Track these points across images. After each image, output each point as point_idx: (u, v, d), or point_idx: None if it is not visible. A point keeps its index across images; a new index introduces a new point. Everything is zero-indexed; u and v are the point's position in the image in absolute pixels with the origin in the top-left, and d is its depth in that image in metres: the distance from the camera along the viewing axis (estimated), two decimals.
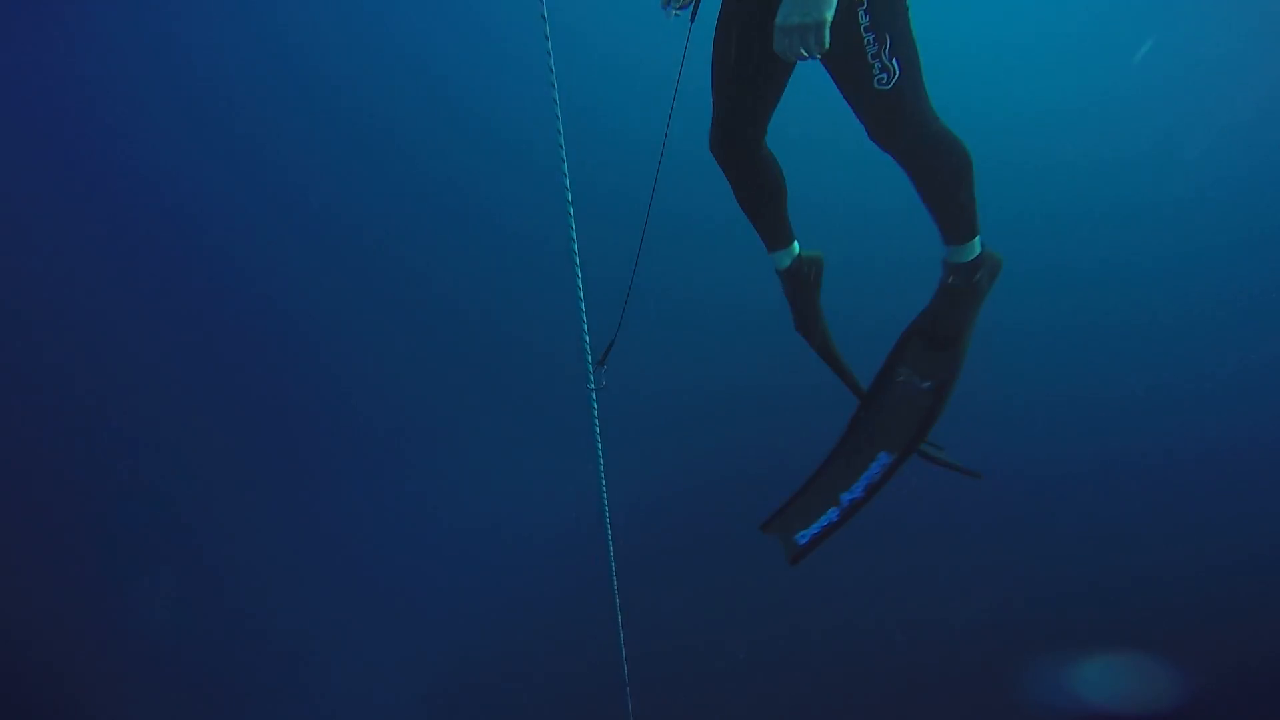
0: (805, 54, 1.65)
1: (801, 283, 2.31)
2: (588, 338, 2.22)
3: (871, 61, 1.79)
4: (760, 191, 2.17)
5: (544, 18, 1.76)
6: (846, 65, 1.84)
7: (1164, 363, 5.11)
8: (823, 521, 2.18)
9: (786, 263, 2.28)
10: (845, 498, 2.15)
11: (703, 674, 4.59)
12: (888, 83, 1.79)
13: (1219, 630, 4.41)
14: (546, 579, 4.75)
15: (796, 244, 2.29)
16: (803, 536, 2.19)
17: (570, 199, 1.95)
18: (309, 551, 5.03)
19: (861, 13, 1.76)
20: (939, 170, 1.97)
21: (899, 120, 1.88)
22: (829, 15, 1.59)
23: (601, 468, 2.50)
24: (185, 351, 5.15)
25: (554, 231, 2.21)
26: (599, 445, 2.40)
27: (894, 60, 1.80)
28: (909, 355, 2.12)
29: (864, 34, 1.77)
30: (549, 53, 1.79)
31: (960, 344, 2.08)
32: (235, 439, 5.14)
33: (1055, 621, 4.69)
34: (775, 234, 2.24)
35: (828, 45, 1.62)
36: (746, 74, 1.97)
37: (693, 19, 2.01)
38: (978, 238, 2.06)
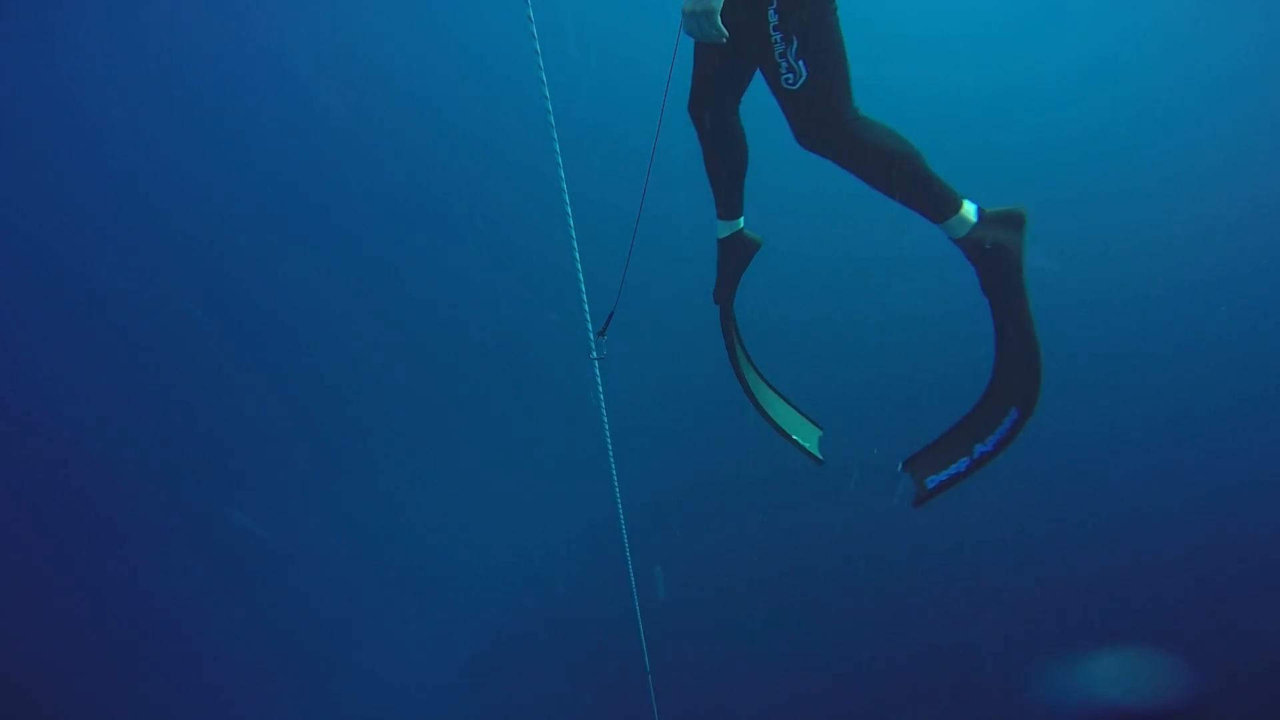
0: (703, 38, 1.77)
1: (733, 255, 2.44)
2: (588, 311, 2.30)
3: (779, 60, 1.85)
4: (724, 157, 2.28)
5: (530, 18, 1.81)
6: (760, 61, 1.91)
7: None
8: (953, 469, 2.27)
9: (726, 233, 2.42)
10: (979, 449, 2.20)
11: (722, 660, 4.54)
12: (794, 83, 1.85)
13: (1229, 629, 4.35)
14: (567, 562, 4.74)
15: (742, 220, 2.43)
16: (932, 481, 2.29)
17: (565, 188, 2.01)
18: (344, 536, 5.09)
19: (770, 11, 1.81)
20: (875, 169, 1.98)
21: (810, 122, 1.92)
22: (717, 4, 1.71)
23: (610, 453, 2.56)
24: (216, 346, 5.23)
25: (551, 223, 2.29)
26: (605, 423, 2.46)
27: (800, 61, 1.84)
28: (998, 312, 2.12)
29: (772, 32, 1.83)
30: (536, 51, 1.84)
31: (1021, 292, 2.04)
32: (266, 433, 5.22)
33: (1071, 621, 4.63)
34: (728, 204, 2.37)
35: (724, 32, 1.74)
36: (714, 56, 2.09)
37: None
38: (964, 207, 2.04)
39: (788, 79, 1.84)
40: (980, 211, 2.06)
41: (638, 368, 3.85)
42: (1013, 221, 2.04)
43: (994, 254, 2.01)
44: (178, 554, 4.86)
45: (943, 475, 2.27)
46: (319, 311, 5.40)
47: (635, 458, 3.21)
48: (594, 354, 2.36)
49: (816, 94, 1.88)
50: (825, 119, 1.92)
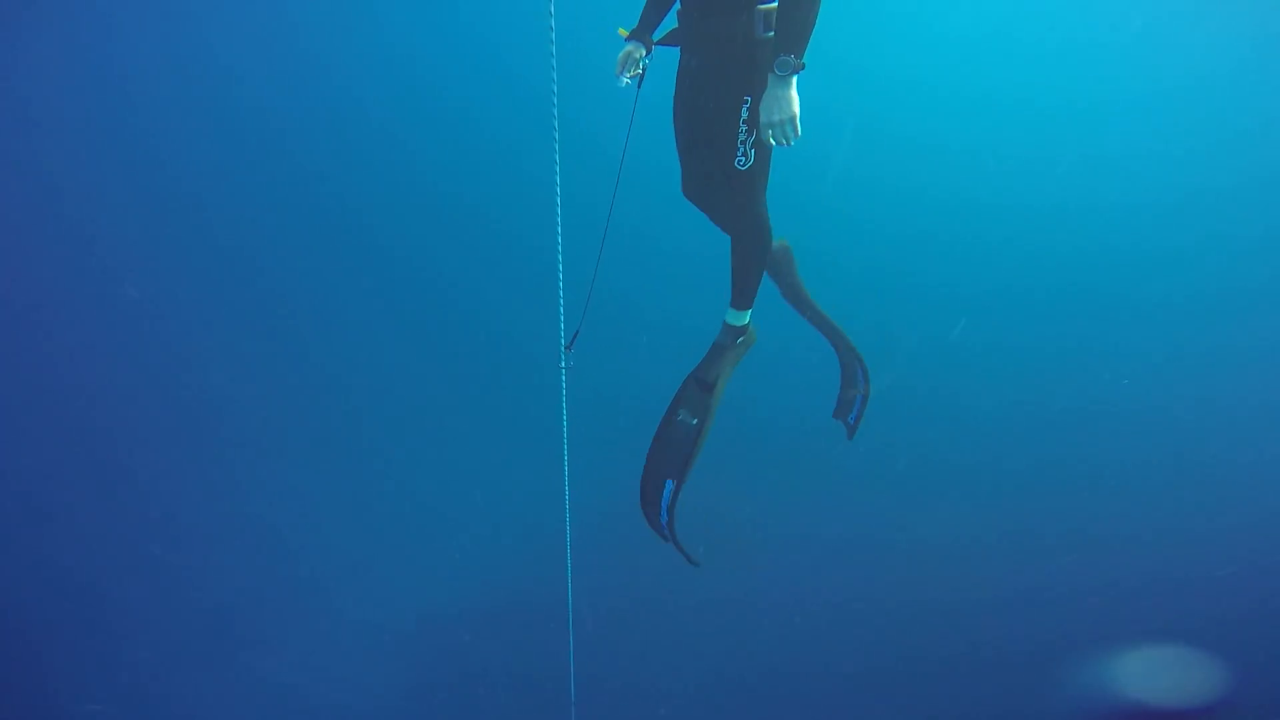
0: (785, 142, 2.13)
1: (776, 268, 2.92)
2: (563, 323, 2.48)
3: (739, 145, 2.27)
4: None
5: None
6: (720, 141, 2.30)
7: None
8: (855, 408, 3.00)
9: (747, 320, 2.72)
10: (662, 520, 2.61)
11: (653, 684, 4.61)
12: (744, 165, 2.27)
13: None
14: (506, 570, 4.79)
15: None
16: (852, 417, 2.99)
17: (559, 201, 2.24)
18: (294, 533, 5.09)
19: (744, 107, 2.23)
20: (747, 246, 2.49)
21: (741, 196, 2.39)
22: (797, 110, 2.10)
23: (566, 462, 2.68)
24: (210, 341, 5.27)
25: (539, 229, 2.47)
26: (565, 431, 2.59)
27: (753, 150, 2.27)
28: (686, 396, 2.60)
29: (740, 123, 2.25)
30: (553, 67, 2.04)
31: (717, 390, 2.56)
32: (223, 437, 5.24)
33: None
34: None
35: (800, 133, 2.11)
36: (693, 142, 2.49)
37: (639, 86, 2.52)
38: (749, 311, 2.59)
39: (740, 161, 2.26)
40: (747, 327, 2.61)
41: (603, 382, 3.99)
42: (751, 340, 2.63)
43: (731, 348, 2.59)
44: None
45: (855, 414, 3.00)
46: (290, 297, 5.48)
47: (591, 468, 3.36)
48: (562, 363, 2.54)
49: (758, 176, 2.34)
50: (754, 197, 2.38)
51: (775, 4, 2.14)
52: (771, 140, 2.15)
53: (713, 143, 2.34)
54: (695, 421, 2.55)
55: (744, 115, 2.24)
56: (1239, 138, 5.53)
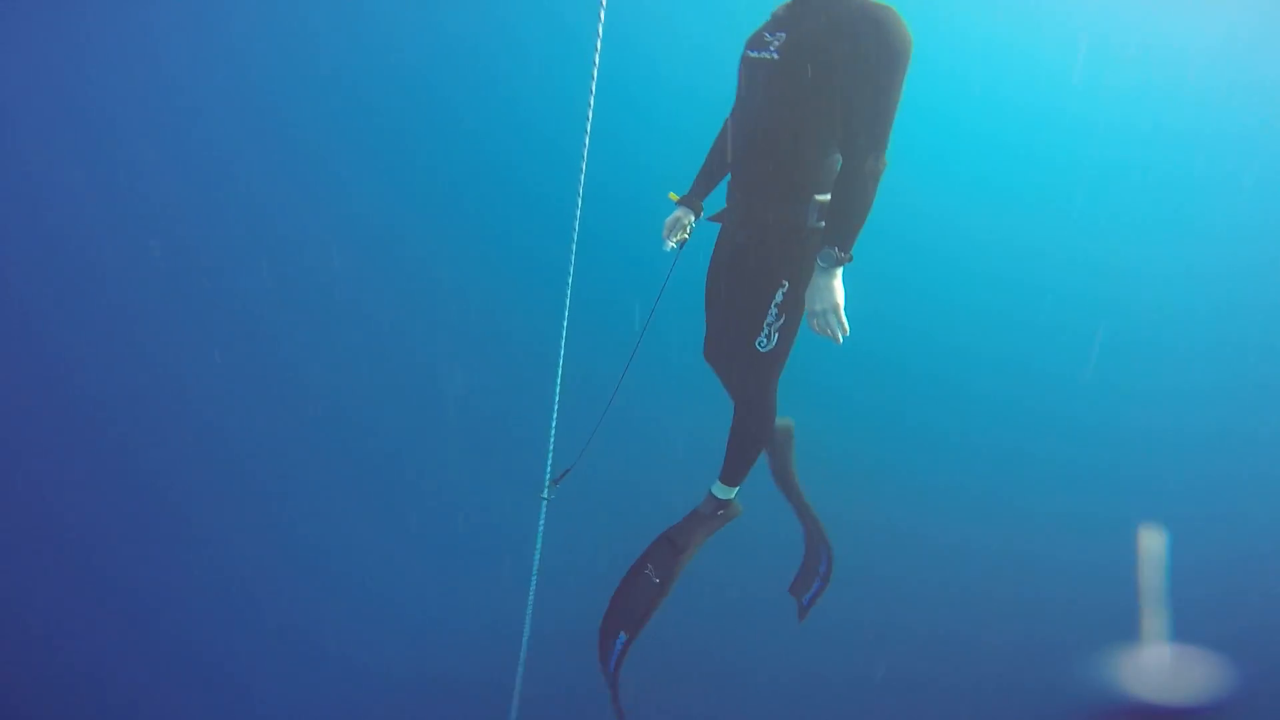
0: (829, 332, 2.10)
1: (779, 447, 2.87)
2: (551, 452, 2.43)
3: (764, 327, 2.25)
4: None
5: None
6: (748, 318, 2.28)
7: None
8: (814, 588, 2.93)
9: (732, 495, 2.72)
10: (610, 668, 2.56)
11: None
12: (764, 347, 2.25)
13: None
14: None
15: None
16: (807, 599, 2.93)
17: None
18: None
19: (780, 292, 2.22)
20: (748, 426, 2.47)
21: (753, 376, 2.38)
22: (841, 299, 2.08)
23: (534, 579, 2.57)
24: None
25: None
26: (535, 563, 2.43)
27: (777, 335, 2.26)
28: (656, 553, 2.58)
29: (772, 306, 2.24)
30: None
31: (683, 557, 2.53)
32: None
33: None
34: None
35: (848, 326, 2.09)
36: (721, 311, 2.50)
37: (680, 248, 2.52)
38: (737, 489, 2.56)
39: (762, 342, 2.24)
40: (731, 502, 2.57)
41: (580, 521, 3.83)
42: (734, 514, 2.60)
43: (711, 519, 2.57)
44: None
45: (811, 594, 2.90)
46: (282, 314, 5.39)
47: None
48: (544, 494, 2.42)
49: (775, 361, 2.32)
50: (767, 380, 2.37)
51: (828, 198, 2.11)
52: (817, 330, 2.14)
53: (741, 318, 2.31)
54: (657, 581, 2.51)
55: (778, 299, 2.23)
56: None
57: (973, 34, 5.40)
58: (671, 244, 2.47)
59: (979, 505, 5.21)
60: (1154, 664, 4.32)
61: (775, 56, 2.07)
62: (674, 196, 2.49)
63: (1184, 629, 4.36)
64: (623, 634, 2.50)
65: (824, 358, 2.66)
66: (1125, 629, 4.46)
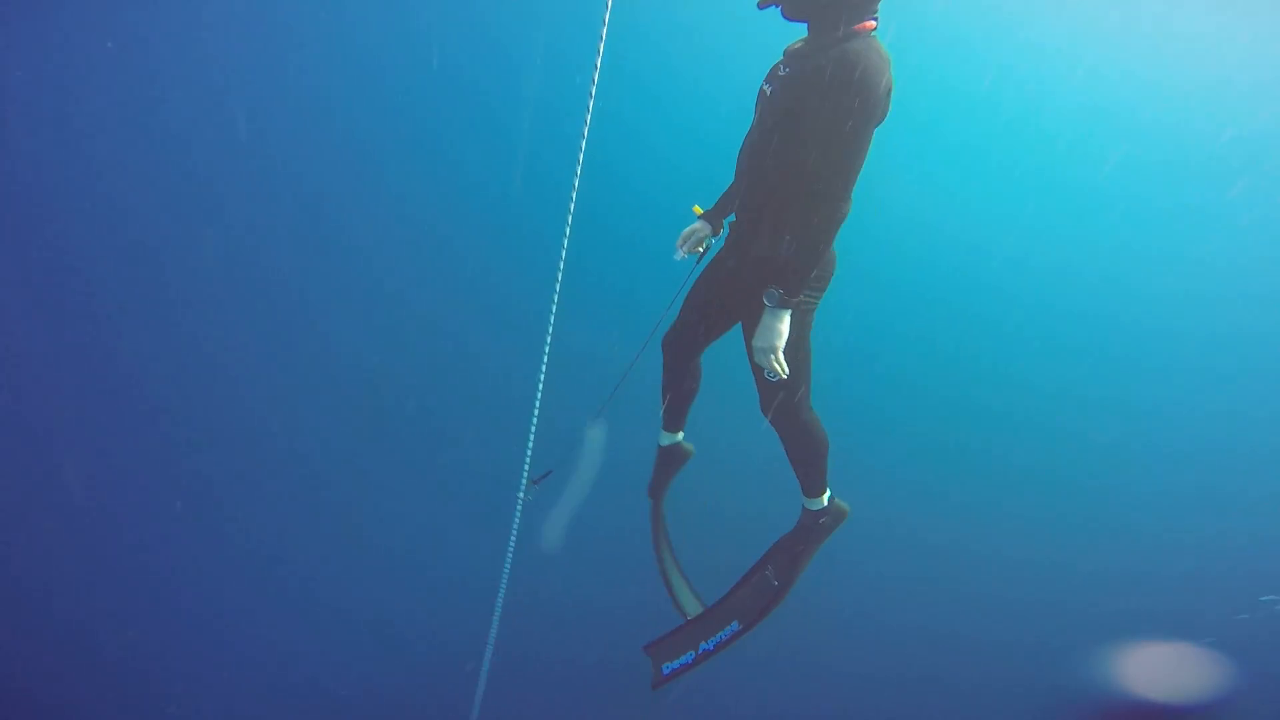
0: (767, 372, 2.16)
1: (670, 461, 2.92)
2: (530, 452, 2.43)
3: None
4: (678, 386, 2.72)
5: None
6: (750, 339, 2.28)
7: None
8: (682, 660, 2.68)
9: (667, 443, 2.89)
10: (702, 646, 2.64)
11: None
12: (773, 378, 2.21)
13: None
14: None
15: (681, 434, 2.89)
16: (666, 668, 2.68)
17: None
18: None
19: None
20: (800, 448, 2.49)
21: (772, 406, 2.37)
22: (779, 344, 2.13)
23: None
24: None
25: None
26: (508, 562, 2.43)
27: (785, 365, 2.23)
28: (775, 558, 2.65)
29: None
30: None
31: (802, 561, 2.59)
32: None
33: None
34: (673, 421, 2.84)
35: (785, 369, 2.15)
36: (704, 312, 2.53)
37: (696, 263, 2.55)
38: (825, 495, 2.57)
39: (770, 374, 2.20)
40: (831, 500, 2.58)
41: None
42: (841, 515, 2.60)
43: (816, 529, 2.58)
44: None
45: (675, 664, 2.69)
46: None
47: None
48: (521, 493, 2.42)
49: (789, 389, 2.29)
50: (789, 407, 2.36)
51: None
52: (757, 363, 2.18)
53: (749, 352, 2.32)
54: (777, 584, 2.59)
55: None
56: None
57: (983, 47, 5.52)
58: (682, 254, 2.49)
59: (980, 506, 5.27)
60: (1154, 664, 4.34)
61: (768, 90, 2.13)
62: (698, 210, 2.51)
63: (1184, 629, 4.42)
64: (736, 623, 2.59)
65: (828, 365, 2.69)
66: (1125, 629, 4.50)
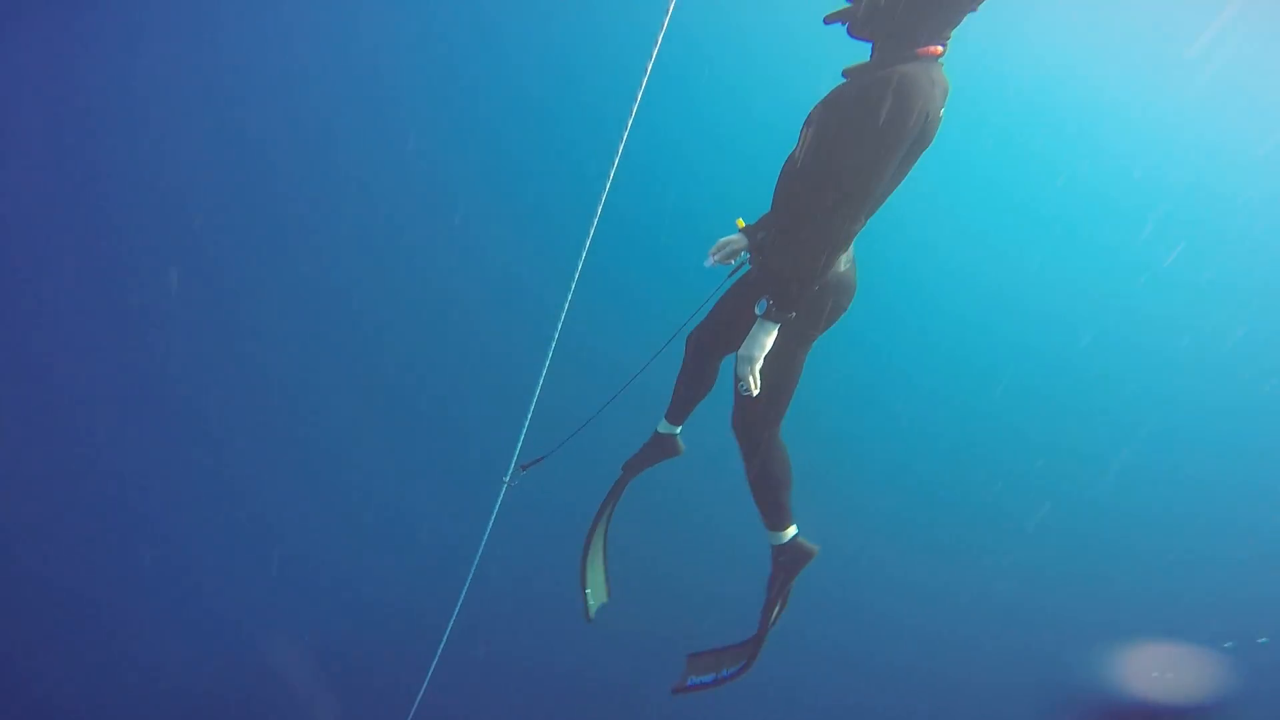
0: (740, 382, 2.11)
1: (658, 448, 2.90)
2: (523, 436, 2.39)
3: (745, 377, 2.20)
4: (691, 382, 2.71)
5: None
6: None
7: None
8: (704, 679, 2.74)
9: (664, 431, 2.87)
10: (725, 672, 2.69)
11: None
12: (743, 391, 2.17)
13: None
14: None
15: (680, 429, 2.87)
16: (693, 680, 2.75)
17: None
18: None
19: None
20: (758, 470, 2.42)
21: (740, 420, 2.35)
22: (758, 355, 2.08)
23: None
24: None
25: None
26: (483, 542, 2.43)
27: (758, 381, 2.17)
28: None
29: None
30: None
31: (780, 598, 2.54)
32: None
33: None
34: (676, 413, 2.83)
35: (757, 385, 2.11)
36: (728, 318, 2.50)
37: (731, 275, 2.51)
38: (787, 531, 2.49)
39: (742, 387, 2.15)
40: (795, 538, 2.50)
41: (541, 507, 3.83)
42: (805, 555, 2.51)
43: (782, 567, 2.51)
44: None
45: (699, 680, 2.74)
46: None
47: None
48: (506, 478, 2.42)
49: (759, 407, 2.26)
50: (756, 424, 2.33)
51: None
52: (737, 373, 2.12)
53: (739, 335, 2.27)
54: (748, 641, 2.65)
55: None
56: None
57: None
58: (713, 261, 2.45)
59: (982, 507, 5.41)
60: (1155, 663, 4.36)
61: (811, 111, 2.05)
62: (741, 224, 2.46)
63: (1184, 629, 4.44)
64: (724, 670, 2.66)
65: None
66: (1126, 629, 4.53)
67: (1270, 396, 5.73)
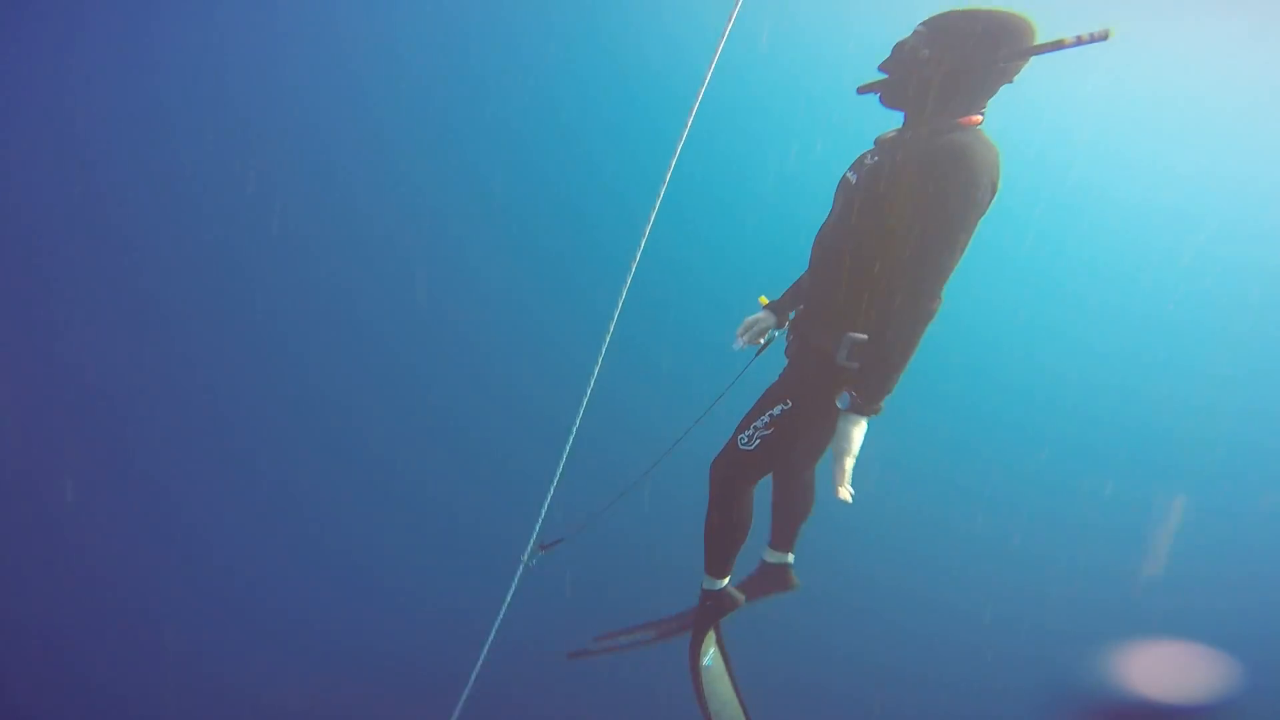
0: (837, 485, 1.94)
1: (765, 581, 2.65)
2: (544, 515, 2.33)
3: (751, 427, 2.17)
4: (789, 504, 2.58)
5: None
6: (749, 413, 2.21)
7: None
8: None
9: (774, 560, 2.64)
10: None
11: None
12: (744, 444, 2.14)
13: None
14: None
15: (791, 555, 2.66)
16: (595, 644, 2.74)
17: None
18: None
19: (781, 407, 2.14)
20: (713, 515, 2.32)
21: (724, 464, 2.24)
22: (850, 451, 1.94)
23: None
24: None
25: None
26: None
27: (759, 441, 2.15)
28: (664, 623, 2.67)
29: (767, 413, 2.15)
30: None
31: (679, 632, 2.57)
32: None
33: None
34: (782, 538, 2.64)
35: (850, 489, 1.93)
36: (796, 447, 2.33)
37: (757, 355, 2.45)
38: (719, 582, 2.42)
39: (743, 439, 2.13)
40: (730, 590, 2.44)
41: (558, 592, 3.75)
42: (726, 606, 2.44)
43: (701, 610, 2.45)
44: None
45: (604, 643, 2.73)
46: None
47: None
48: (524, 557, 2.35)
49: (749, 462, 2.18)
50: (737, 474, 2.23)
51: (864, 338, 2.01)
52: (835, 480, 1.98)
53: (750, 409, 2.24)
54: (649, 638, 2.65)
55: (775, 410, 2.15)
56: None
57: None
58: (742, 343, 2.41)
59: (984, 506, 5.37)
60: (1155, 662, 4.28)
61: (854, 178, 2.05)
62: (764, 301, 2.44)
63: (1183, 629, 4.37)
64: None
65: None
66: (1126, 629, 4.45)
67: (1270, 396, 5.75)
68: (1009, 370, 6.00)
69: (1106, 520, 5.36)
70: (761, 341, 2.43)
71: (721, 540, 2.34)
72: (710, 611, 2.43)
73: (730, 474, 2.24)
